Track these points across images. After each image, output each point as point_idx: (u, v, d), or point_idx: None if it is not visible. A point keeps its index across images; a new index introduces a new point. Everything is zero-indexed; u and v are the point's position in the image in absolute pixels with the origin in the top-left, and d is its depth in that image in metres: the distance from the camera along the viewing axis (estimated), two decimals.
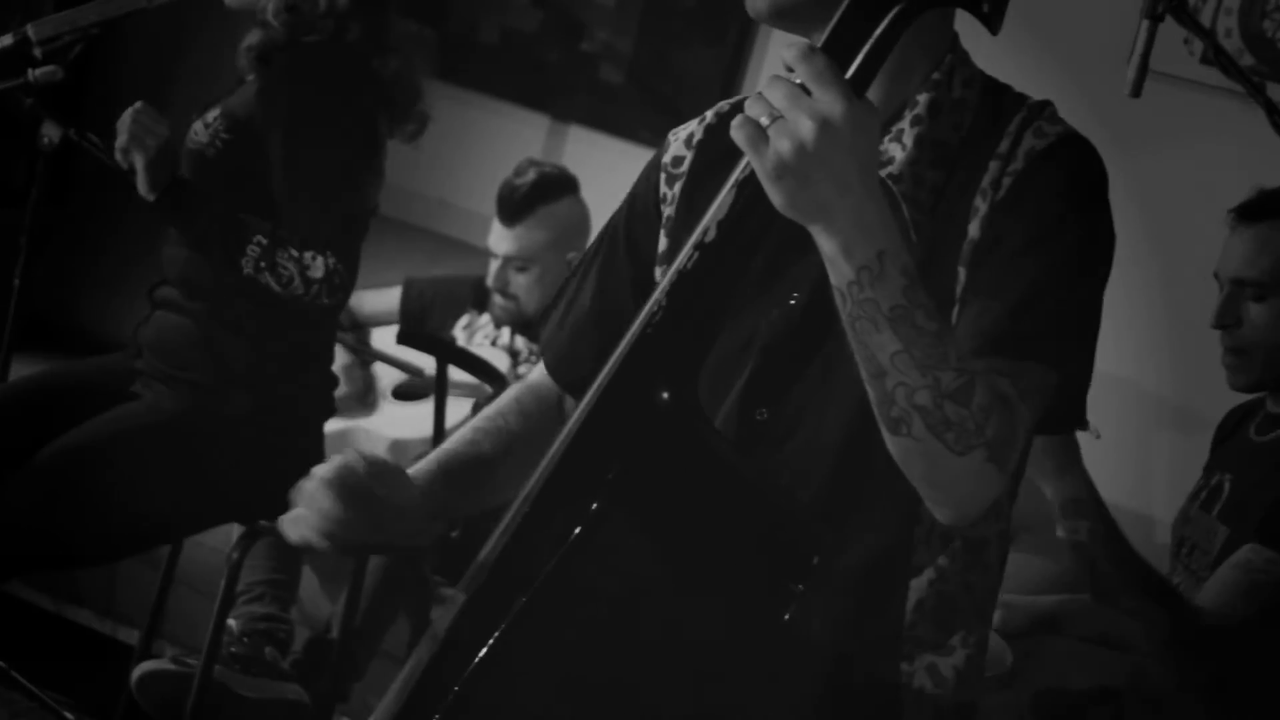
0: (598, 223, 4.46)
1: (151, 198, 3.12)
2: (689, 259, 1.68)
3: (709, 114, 2.05)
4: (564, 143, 4.94)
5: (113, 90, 3.14)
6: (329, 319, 3.43)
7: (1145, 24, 2.28)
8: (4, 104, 3.18)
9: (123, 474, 3.18)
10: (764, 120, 1.58)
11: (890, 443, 1.69)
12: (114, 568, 4.20)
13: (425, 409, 4.05)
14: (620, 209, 2.10)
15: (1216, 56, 2.32)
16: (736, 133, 1.60)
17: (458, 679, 1.62)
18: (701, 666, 1.64)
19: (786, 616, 1.64)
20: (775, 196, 1.60)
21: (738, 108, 1.98)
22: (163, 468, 3.20)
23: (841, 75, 1.58)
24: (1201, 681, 2.79)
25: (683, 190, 2.02)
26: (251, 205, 3.19)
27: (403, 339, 3.97)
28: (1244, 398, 3.10)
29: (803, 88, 1.58)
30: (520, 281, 4.34)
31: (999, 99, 1.90)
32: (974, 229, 1.82)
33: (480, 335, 4.44)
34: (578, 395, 1.84)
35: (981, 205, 1.83)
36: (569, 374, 2.07)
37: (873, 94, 1.63)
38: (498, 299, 4.38)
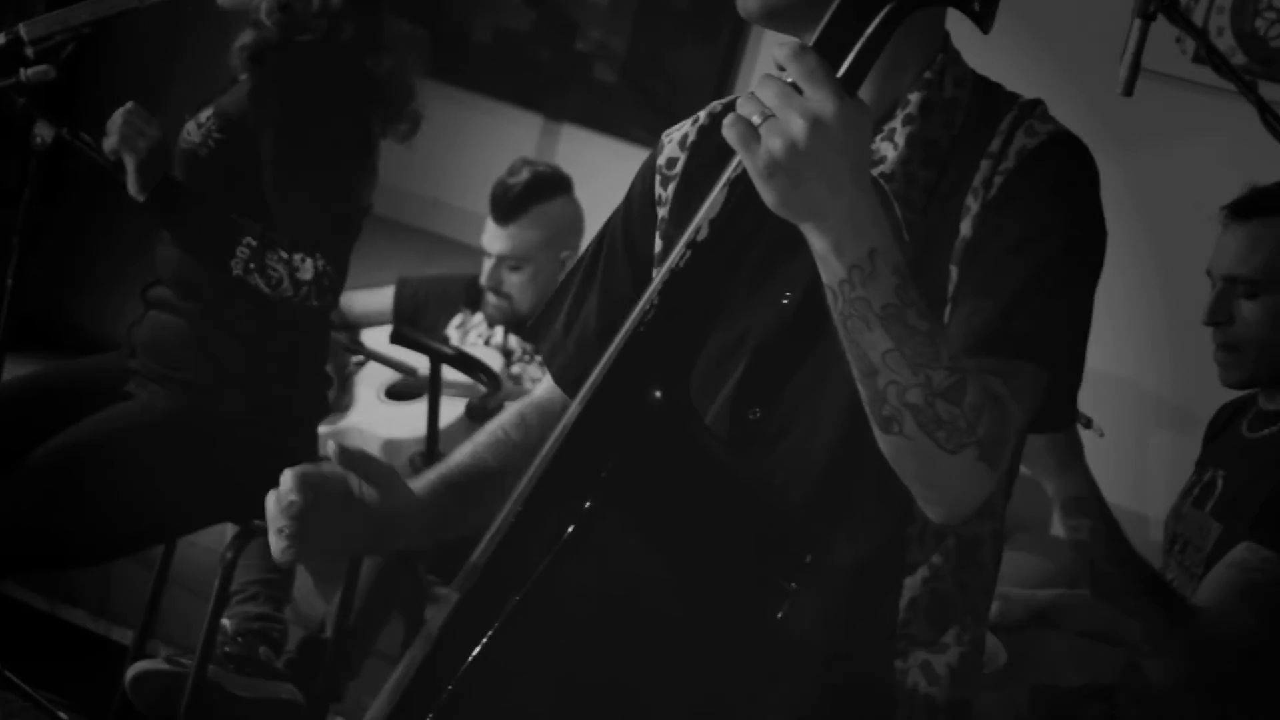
0: (591, 221, 4.50)
1: (142, 198, 3.12)
2: (681, 258, 1.69)
3: (702, 114, 2.06)
4: (557, 142, 4.95)
5: (105, 90, 3.14)
6: (322, 319, 3.43)
7: (1137, 23, 2.28)
8: None
9: (117, 474, 3.17)
10: (756, 119, 1.59)
11: (882, 441, 1.69)
12: (108, 567, 4.20)
13: (419, 408, 4.05)
14: (615, 214, 2.10)
15: (1209, 55, 2.32)
16: (728, 131, 1.60)
17: (451, 678, 1.63)
18: (694, 665, 1.64)
19: (780, 615, 1.64)
20: (767, 195, 1.60)
21: (730, 108, 1.98)
22: (157, 467, 3.20)
23: (833, 74, 1.59)
24: (1200, 681, 2.79)
25: (676, 191, 2.02)
26: (244, 205, 3.19)
27: (396, 338, 3.97)
28: (1236, 394, 3.11)
29: (794, 86, 1.58)
30: (514, 280, 4.35)
31: (990, 98, 1.90)
32: (966, 227, 1.83)
33: (474, 334, 4.45)
34: None
35: (973, 204, 1.83)
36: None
37: (864, 93, 1.63)
38: (491, 298, 4.38)
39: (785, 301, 1.89)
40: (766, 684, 1.68)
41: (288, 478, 1.84)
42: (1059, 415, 1.87)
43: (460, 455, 2.04)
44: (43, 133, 3.15)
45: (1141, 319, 4.11)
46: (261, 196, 3.19)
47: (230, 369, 3.26)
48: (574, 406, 1.73)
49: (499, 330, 4.41)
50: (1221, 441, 3.09)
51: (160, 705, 3.53)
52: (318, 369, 3.47)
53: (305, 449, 3.41)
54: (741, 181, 1.65)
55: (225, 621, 3.71)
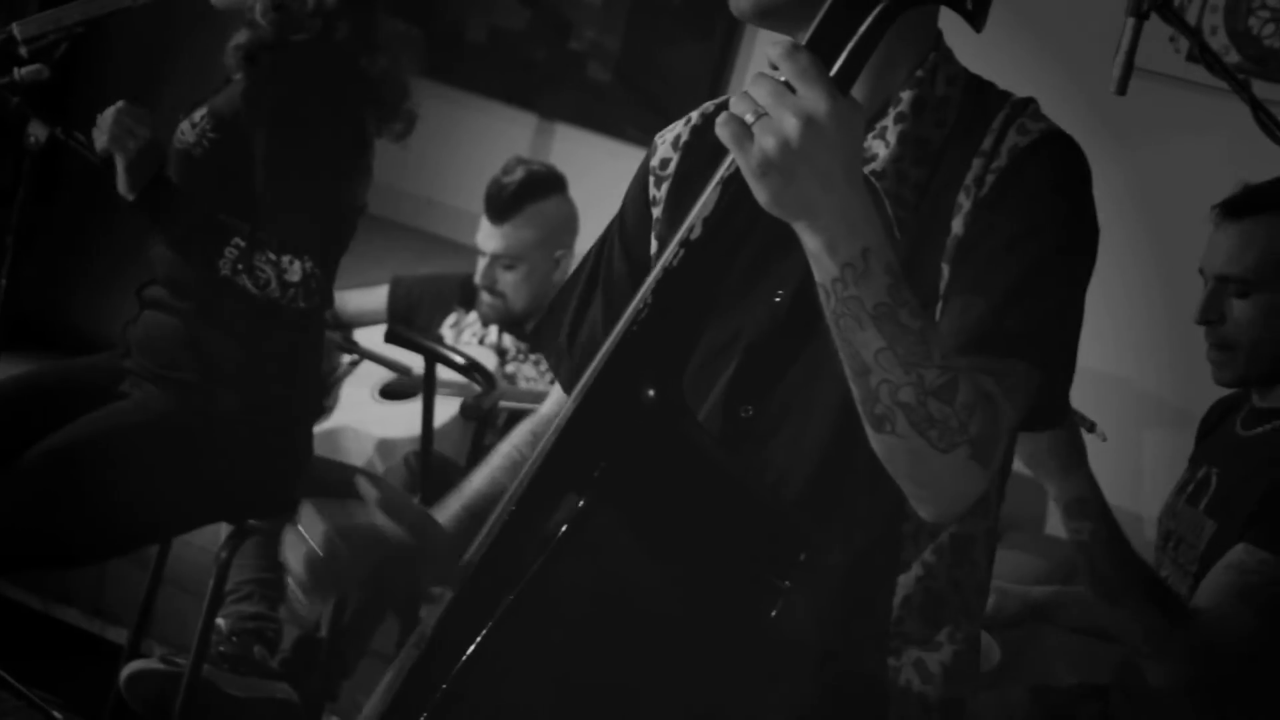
0: (586, 220, 4.51)
1: (131, 197, 3.12)
2: (674, 256, 1.69)
3: (694, 115, 2.06)
4: (551, 141, 4.95)
5: (99, 89, 3.13)
6: (317, 319, 3.43)
7: (1130, 22, 2.28)
8: None
9: (112, 473, 3.17)
10: (749, 117, 1.59)
11: (874, 440, 1.70)
12: (103, 567, 4.20)
13: (413, 408, 4.05)
14: (613, 220, 2.10)
15: (1202, 54, 2.31)
16: (721, 130, 1.60)
17: (446, 678, 1.63)
18: (688, 663, 1.65)
19: (773, 613, 1.64)
20: (760, 193, 1.60)
21: (723, 108, 1.98)
22: (152, 467, 3.20)
23: (826, 72, 1.59)
24: (1200, 685, 2.79)
25: (670, 191, 2.02)
26: (238, 205, 3.18)
27: (390, 338, 3.97)
28: (1229, 391, 3.11)
29: (787, 85, 1.58)
30: (508, 279, 4.35)
31: (982, 96, 1.90)
32: (958, 226, 1.83)
33: (468, 333, 4.45)
34: None
35: (965, 202, 1.83)
36: None
37: (857, 91, 1.64)
38: (485, 297, 4.38)
39: (778, 300, 1.89)
40: (760, 682, 1.69)
41: (318, 533, 1.81)
42: (1051, 413, 1.87)
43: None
44: (36, 132, 3.15)
45: (1138, 318, 4.12)
46: (255, 196, 3.19)
47: (225, 368, 3.25)
48: (568, 405, 1.74)
49: (493, 329, 4.41)
50: (1215, 438, 3.09)
51: (155, 705, 3.53)
52: (313, 369, 3.47)
53: (300, 449, 3.41)
54: (735, 180, 1.65)
55: (220, 621, 3.71)
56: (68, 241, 4.91)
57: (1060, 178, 1.84)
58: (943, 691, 1.93)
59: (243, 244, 3.12)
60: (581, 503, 1.62)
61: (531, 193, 4.32)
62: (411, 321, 4.51)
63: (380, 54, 3.32)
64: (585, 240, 4.48)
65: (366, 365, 4.41)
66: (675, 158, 2.03)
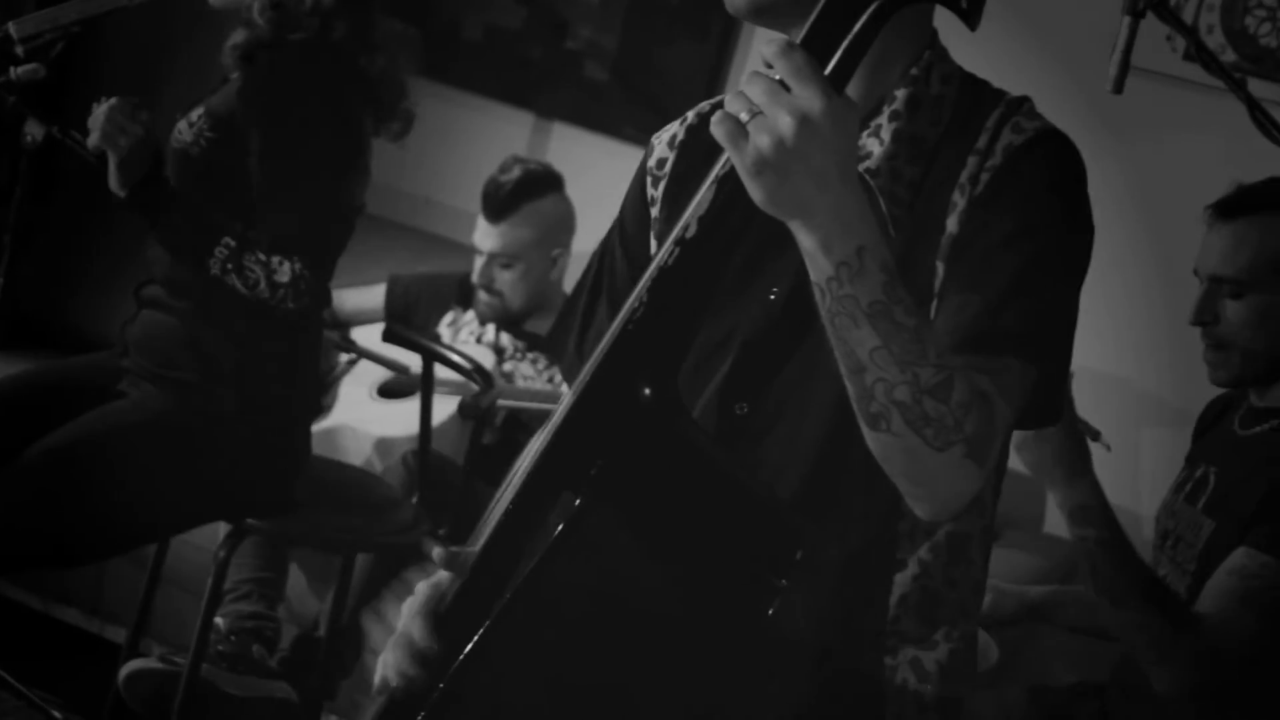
0: (583, 219, 4.50)
1: (122, 194, 3.12)
2: (670, 255, 1.69)
3: (690, 114, 2.06)
4: (548, 140, 4.95)
5: (95, 88, 3.13)
6: (315, 319, 3.43)
7: (1126, 20, 2.28)
8: None
9: (110, 473, 3.17)
10: (744, 116, 1.59)
11: (869, 438, 1.70)
12: (101, 566, 4.20)
13: (411, 406, 4.05)
14: (614, 225, 2.10)
15: (1198, 53, 2.32)
16: (716, 129, 1.60)
17: (443, 677, 1.63)
18: (685, 662, 1.65)
19: (770, 612, 1.64)
20: (755, 192, 1.61)
21: (719, 108, 1.99)
22: (150, 466, 3.19)
23: (820, 71, 1.59)
24: (1204, 691, 2.80)
25: (667, 190, 2.02)
26: (235, 205, 3.18)
27: (388, 336, 3.97)
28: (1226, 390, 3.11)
29: (782, 84, 1.58)
30: (505, 278, 4.35)
31: (977, 94, 1.90)
32: (952, 224, 1.83)
33: (465, 332, 4.45)
34: None
35: (960, 200, 1.83)
36: None
37: (851, 89, 1.63)
38: (482, 295, 4.39)
39: (773, 297, 1.89)
40: (757, 681, 1.68)
41: (419, 628, 1.78)
42: (1047, 411, 1.87)
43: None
44: (33, 131, 3.15)
45: (1136, 317, 4.12)
46: (251, 197, 3.18)
47: (223, 368, 3.25)
48: (564, 404, 1.74)
49: (490, 328, 4.41)
50: (1212, 437, 3.09)
51: (154, 704, 3.54)
52: (312, 369, 3.47)
53: (299, 448, 3.41)
54: (730, 179, 1.65)
55: (219, 620, 3.71)
56: (65, 241, 4.91)
57: (1055, 176, 1.84)
58: (939, 690, 1.93)
59: (233, 244, 3.12)
60: (578, 501, 1.62)
61: (528, 191, 4.32)
62: (409, 320, 4.51)
63: (378, 53, 3.31)
64: (582, 239, 4.48)
65: (364, 364, 4.41)
66: (671, 158, 2.03)
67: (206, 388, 3.25)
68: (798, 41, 1.61)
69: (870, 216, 1.64)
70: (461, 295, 4.53)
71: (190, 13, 3.48)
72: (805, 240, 1.63)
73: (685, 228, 1.68)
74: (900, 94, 1.88)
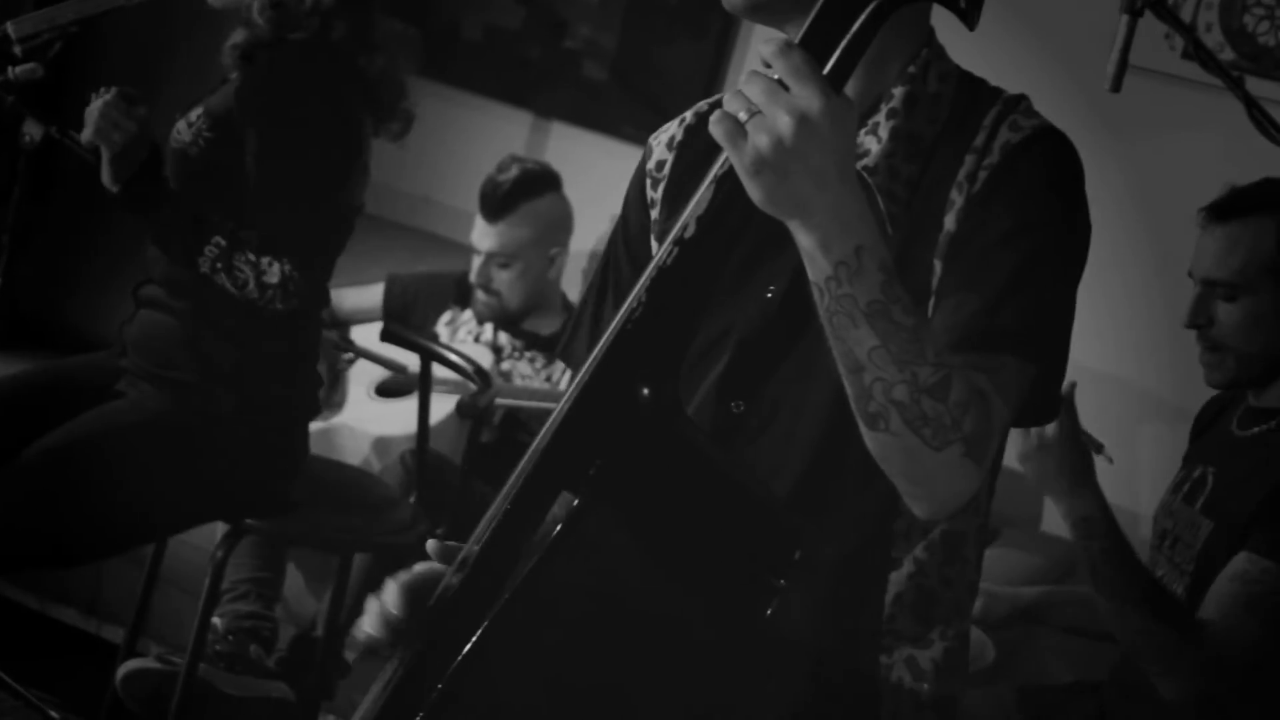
0: (581, 219, 4.50)
1: (114, 189, 3.11)
2: (668, 255, 1.68)
3: (688, 114, 2.06)
4: (547, 139, 4.94)
5: (93, 88, 3.13)
6: (314, 318, 3.43)
7: (1125, 19, 2.29)
8: None
9: (108, 473, 3.17)
10: (742, 116, 1.59)
11: (868, 438, 1.70)
12: (99, 566, 4.19)
13: (409, 405, 4.05)
14: (616, 228, 2.10)
15: (1195, 51, 2.32)
16: (715, 128, 1.60)
17: (441, 677, 1.63)
18: (683, 662, 1.64)
19: (768, 612, 1.64)
20: (753, 192, 1.61)
21: (716, 107, 1.98)
22: (148, 466, 3.19)
23: (819, 70, 1.59)
24: (1211, 700, 2.80)
25: (666, 191, 2.03)
26: (232, 205, 3.18)
27: (386, 336, 3.97)
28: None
29: (780, 83, 1.58)
30: (503, 277, 4.35)
31: (974, 92, 1.90)
32: (950, 222, 1.83)
33: (463, 331, 4.45)
34: None
35: (957, 198, 1.83)
36: None
37: (849, 87, 1.63)
38: (480, 295, 4.39)
39: (769, 295, 1.90)
40: (755, 681, 1.68)
41: (392, 592, 1.80)
42: (1044, 409, 1.87)
43: None
44: (31, 131, 3.15)
45: (1134, 315, 4.12)
46: (246, 196, 3.18)
47: (221, 368, 3.25)
48: (562, 404, 1.73)
49: (488, 327, 4.41)
50: (1210, 437, 3.09)
51: (151, 704, 3.53)
52: (310, 368, 3.46)
53: (297, 448, 3.41)
54: (728, 178, 1.65)
55: (216, 620, 3.71)
56: (64, 241, 4.91)
57: (1053, 174, 1.84)
58: (935, 688, 1.93)
59: (223, 243, 3.12)
60: (576, 501, 1.62)
61: (526, 191, 4.32)
62: (406, 319, 4.51)
63: (378, 53, 3.31)
64: (581, 238, 4.48)
65: (363, 363, 4.41)
66: (670, 158, 2.03)
67: (204, 388, 3.25)
68: (796, 40, 1.61)
69: (869, 216, 1.64)
70: (459, 294, 4.53)
71: (189, 12, 3.48)
72: (804, 240, 1.63)
73: (684, 227, 1.68)
74: (898, 92, 1.88)
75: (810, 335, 1.76)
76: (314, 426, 3.48)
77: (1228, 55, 4.11)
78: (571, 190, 4.41)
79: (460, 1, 5.04)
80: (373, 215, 3.64)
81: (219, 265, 3.12)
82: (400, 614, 1.77)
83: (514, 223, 4.31)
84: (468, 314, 4.48)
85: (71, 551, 3.32)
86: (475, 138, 4.88)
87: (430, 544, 1.85)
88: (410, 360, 4.12)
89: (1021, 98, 1.89)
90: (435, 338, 4.37)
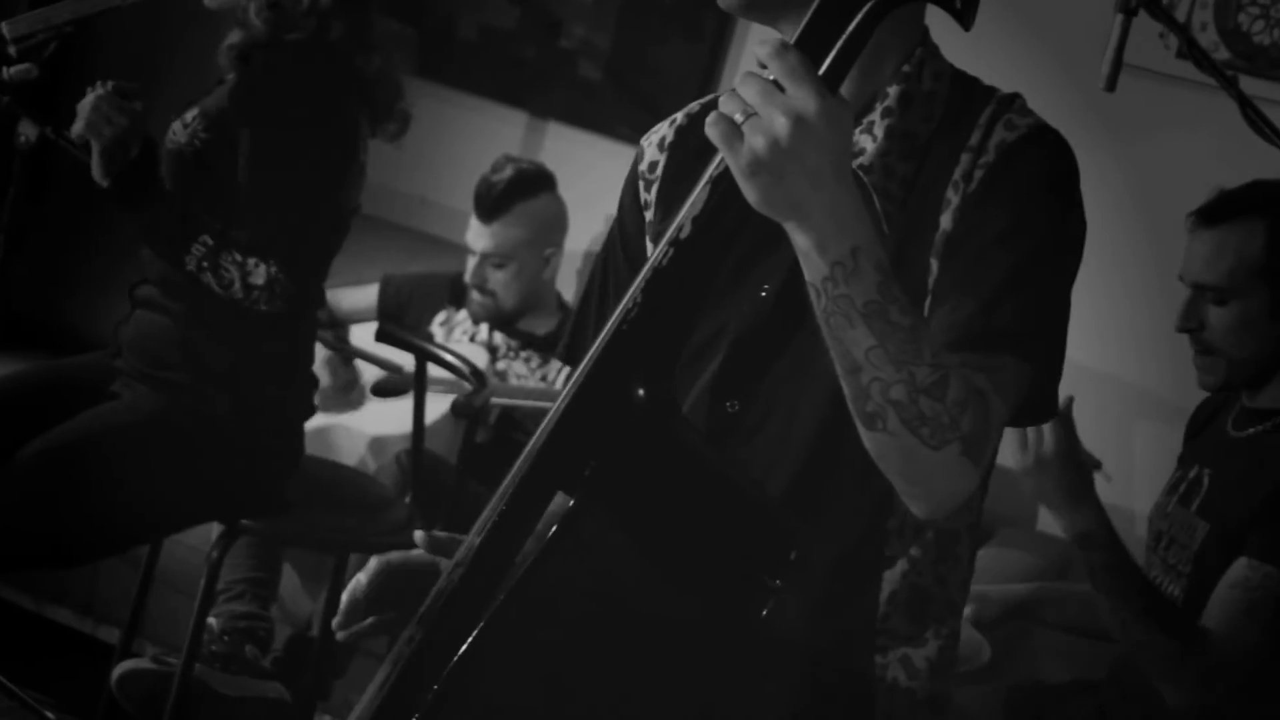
0: (576, 218, 4.50)
1: (104, 184, 3.11)
2: (664, 256, 1.69)
3: (679, 115, 2.06)
4: (542, 139, 4.94)
5: (89, 88, 3.13)
6: (309, 319, 3.43)
7: (1119, 18, 2.29)
8: None
9: (103, 473, 3.17)
10: (738, 117, 1.59)
11: (866, 438, 1.70)
12: (94, 566, 4.19)
13: (405, 405, 4.04)
14: (612, 231, 2.10)
15: (1189, 50, 2.32)
16: (711, 129, 1.60)
17: (437, 677, 1.63)
18: (678, 662, 1.65)
19: (764, 612, 1.64)
20: (750, 193, 1.61)
21: (708, 107, 1.99)
22: (143, 467, 3.19)
23: (815, 71, 1.59)
24: (1218, 709, 2.80)
25: (659, 192, 2.03)
26: (220, 204, 3.17)
27: (381, 336, 3.97)
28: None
29: (776, 84, 1.58)
30: (498, 278, 4.35)
31: (969, 91, 1.91)
32: (946, 221, 1.83)
33: (459, 331, 4.45)
34: None
35: (953, 197, 1.83)
36: None
37: (844, 86, 1.64)
38: (475, 295, 4.39)
39: (763, 295, 1.90)
40: (751, 681, 1.69)
41: (368, 568, 1.82)
42: (1041, 408, 1.87)
43: None
44: (26, 131, 3.15)
45: (1130, 314, 4.12)
46: (237, 197, 3.18)
47: (216, 369, 3.25)
48: (558, 404, 1.73)
49: (484, 327, 4.41)
50: (1205, 438, 3.09)
51: (147, 704, 3.53)
52: (305, 370, 3.46)
53: (292, 448, 3.41)
54: (724, 179, 1.65)
55: (211, 620, 3.71)
56: (59, 241, 4.91)
57: (1049, 173, 1.84)
58: (930, 687, 1.94)
59: (210, 242, 3.11)
60: (572, 502, 1.62)
61: (520, 191, 4.32)
62: (401, 319, 4.51)
63: (374, 53, 3.31)
64: (576, 238, 4.48)
65: (358, 363, 4.41)
66: (662, 159, 2.03)
67: (199, 389, 3.25)
68: (791, 41, 1.61)
69: (865, 216, 1.64)
70: (454, 295, 4.53)
71: (184, 13, 3.48)
72: (800, 240, 1.63)
73: (679, 228, 1.68)
74: (893, 91, 1.88)
75: (804, 334, 1.76)
76: (309, 426, 3.48)
77: (1222, 54, 4.11)
78: (567, 190, 4.41)
79: (455, 1, 5.04)
80: (369, 215, 3.64)
81: (205, 264, 3.12)
82: (370, 589, 1.78)
83: (509, 223, 4.31)
84: (463, 314, 4.48)
85: (67, 552, 3.32)
86: (470, 138, 4.88)
87: (418, 534, 1.86)
88: (405, 360, 4.11)
89: (1016, 96, 1.90)
90: (430, 338, 4.37)
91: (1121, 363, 4.22)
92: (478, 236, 4.34)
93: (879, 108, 1.88)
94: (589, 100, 4.89)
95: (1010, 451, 2.80)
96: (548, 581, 1.61)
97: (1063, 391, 1.90)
